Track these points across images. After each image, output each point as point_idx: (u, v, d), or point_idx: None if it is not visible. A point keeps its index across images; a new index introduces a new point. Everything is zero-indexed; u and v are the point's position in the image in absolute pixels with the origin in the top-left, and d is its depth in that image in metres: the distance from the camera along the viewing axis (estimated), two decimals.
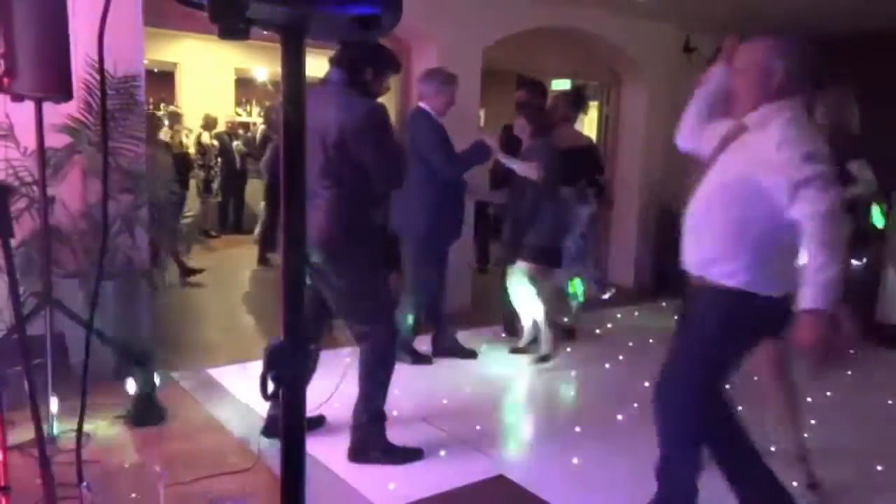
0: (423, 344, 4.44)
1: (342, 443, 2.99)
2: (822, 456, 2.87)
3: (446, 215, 4.10)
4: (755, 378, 2.84)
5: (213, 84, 10.02)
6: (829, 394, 3.85)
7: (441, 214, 4.06)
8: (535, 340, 4.81)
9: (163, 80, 9.85)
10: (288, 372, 0.89)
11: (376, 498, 2.68)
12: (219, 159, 9.07)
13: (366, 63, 2.78)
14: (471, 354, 4.43)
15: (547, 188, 4.16)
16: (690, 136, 2.47)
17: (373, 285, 2.89)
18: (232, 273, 6.61)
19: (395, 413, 3.35)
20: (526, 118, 4.32)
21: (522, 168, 4.17)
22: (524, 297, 4.28)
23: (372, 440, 2.95)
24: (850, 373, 4.24)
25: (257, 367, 0.88)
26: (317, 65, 2.73)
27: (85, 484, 1.03)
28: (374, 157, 2.72)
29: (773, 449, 2.83)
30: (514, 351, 4.55)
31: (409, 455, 3.00)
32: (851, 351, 4.26)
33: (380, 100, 2.92)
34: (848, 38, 6.04)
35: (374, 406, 2.95)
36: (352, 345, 3.08)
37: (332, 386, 2.91)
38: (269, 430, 2.99)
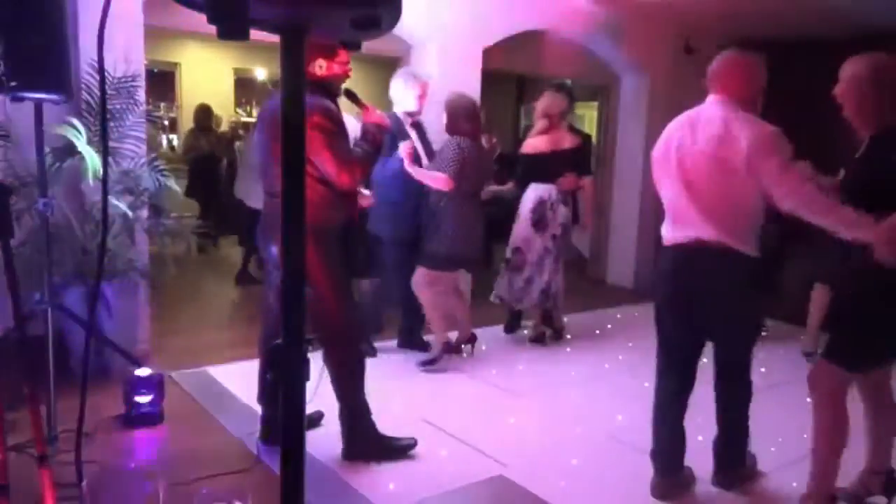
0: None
1: (341, 442, 2.99)
2: None
3: (415, 217, 4.12)
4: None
5: (213, 84, 10.01)
6: None
7: (412, 216, 4.10)
8: (540, 338, 4.82)
9: (163, 80, 9.85)
10: (288, 372, 0.89)
11: (376, 497, 2.68)
12: (224, 160, 9.05)
13: (312, 57, 2.71)
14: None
15: (451, 194, 3.91)
16: None
17: (328, 286, 2.78)
18: (232, 273, 6.60)
19: (395, 413, 3.36)
20: (447, 109, 4.01)
21: (431, 179, 3.91)
22: (423, 300, 4.16)
23: (364, 437, 2.96)
24: None
25: (257, 366, 0.88)
26: None
27: (85, 484, 1.03)
28: (325, 158, 2.68)
29: None
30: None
31: (403, 446, 3.00)
32: None
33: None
34: (844, 40, 6.04)
35: (352, 404, 2.94)
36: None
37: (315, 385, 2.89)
38: (265, 435, 2.99)
